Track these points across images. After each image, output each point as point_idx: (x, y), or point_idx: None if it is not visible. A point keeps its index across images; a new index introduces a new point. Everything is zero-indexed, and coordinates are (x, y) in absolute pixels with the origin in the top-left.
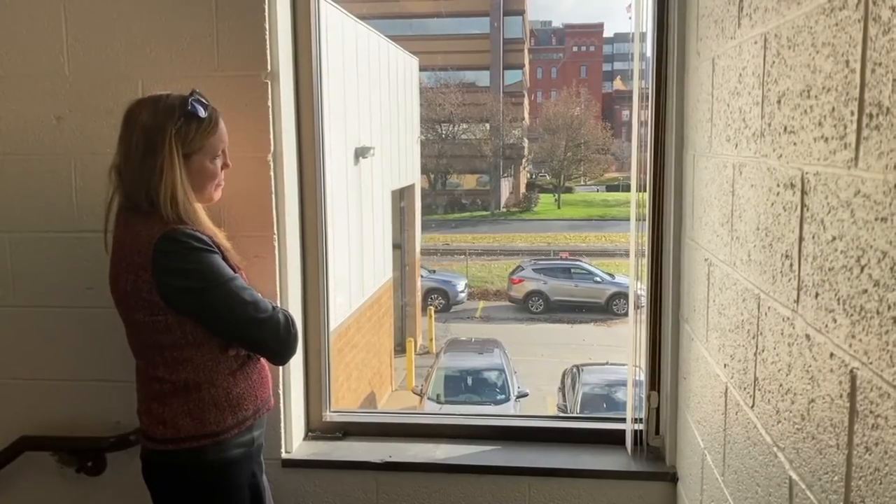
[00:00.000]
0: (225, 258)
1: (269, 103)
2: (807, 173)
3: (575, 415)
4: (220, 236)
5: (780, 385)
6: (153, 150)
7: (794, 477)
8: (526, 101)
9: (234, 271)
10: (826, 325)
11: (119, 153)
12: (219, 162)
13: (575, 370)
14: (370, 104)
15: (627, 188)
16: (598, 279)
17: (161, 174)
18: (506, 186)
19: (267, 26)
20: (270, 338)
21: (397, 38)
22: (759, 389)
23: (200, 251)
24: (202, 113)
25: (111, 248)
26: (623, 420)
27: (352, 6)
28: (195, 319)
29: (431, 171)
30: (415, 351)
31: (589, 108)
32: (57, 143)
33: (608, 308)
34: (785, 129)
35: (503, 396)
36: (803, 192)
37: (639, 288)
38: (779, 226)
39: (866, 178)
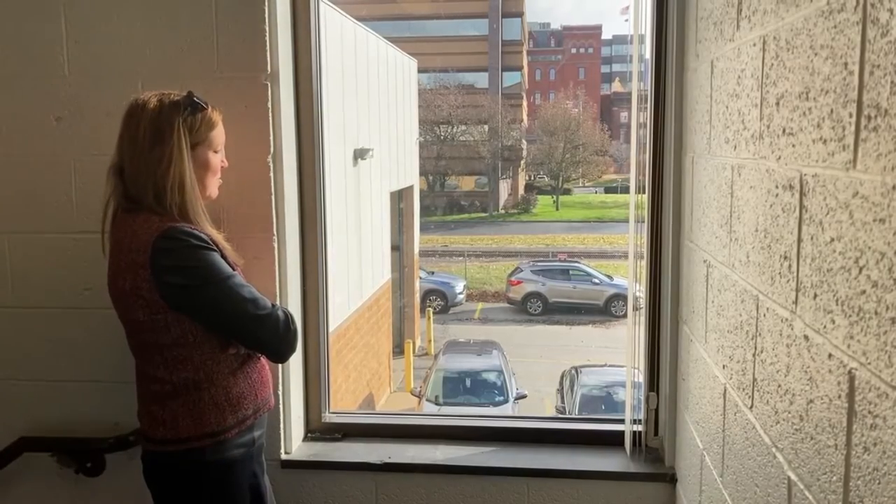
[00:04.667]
0: (223, 256)
1: (269, 105)
2: (805, 175)
3: (573, 416)
4: (219, 237)
5: (779, 386)
6: (162, 139)
7: (793, 477)
8: (524, 103)
9: (233, 269)
10: (824, 326)
11: (120, 150)
12: (219, 157)
13: (573, 371)
14: (369, 106)
15: (626, 190)
16: (596, 281)
17: (170, 162)
18: (504, 188)
19: (266, 28)
20: (270, 335)
21: (396, 40)
22: (758, 390)
23: (199, 248)
24: (204, 105)
25: (109, 250)
26: (622, 421)
27: (351, 8)
28: (194, 317)
29: (430, 173)
30: (413, 352)
31: (587, 110)
32: (56, 143)
33: (606, 310)
34: (784, 130)
35: (502, 398)
36: (802, 194)
37: (637, 289)
38: (777, 227)
39: (864, 179)
